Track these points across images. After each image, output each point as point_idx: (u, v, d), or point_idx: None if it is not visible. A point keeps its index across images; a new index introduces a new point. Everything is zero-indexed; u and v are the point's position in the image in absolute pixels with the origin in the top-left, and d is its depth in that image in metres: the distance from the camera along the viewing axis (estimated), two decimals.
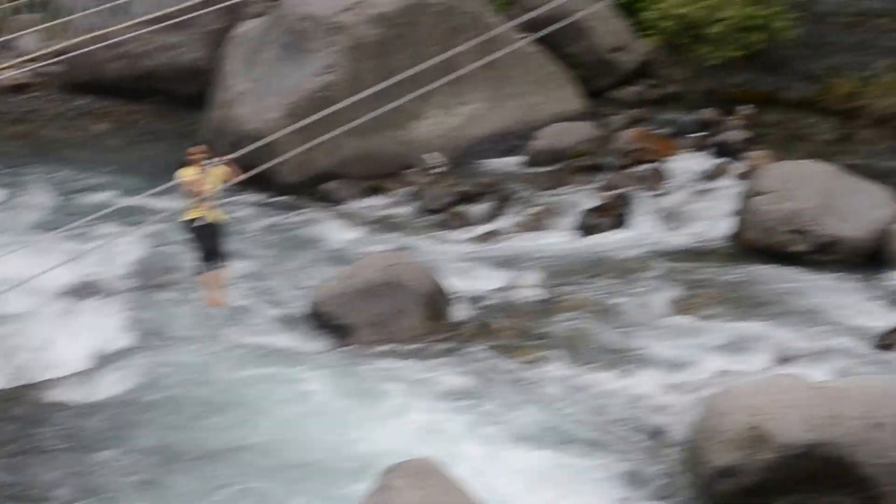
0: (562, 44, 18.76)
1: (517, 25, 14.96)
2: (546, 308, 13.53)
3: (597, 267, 14.49)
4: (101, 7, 13.74)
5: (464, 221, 16.34)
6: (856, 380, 10.88)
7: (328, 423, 11.27)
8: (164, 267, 15.00)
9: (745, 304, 13.28)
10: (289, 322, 13.59)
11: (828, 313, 12.95)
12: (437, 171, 17.69)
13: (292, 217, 16.85)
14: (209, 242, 12.44)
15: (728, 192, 15.93)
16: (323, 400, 11.74)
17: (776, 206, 14.45)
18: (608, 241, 15.39)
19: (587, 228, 15.75)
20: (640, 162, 16.99)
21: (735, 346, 12.38)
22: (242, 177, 10.89)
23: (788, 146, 16.85)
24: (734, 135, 17.37)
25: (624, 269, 14.34)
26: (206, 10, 13.16)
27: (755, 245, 14.57)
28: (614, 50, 19.72)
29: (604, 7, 18.09)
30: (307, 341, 13.18)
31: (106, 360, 12.82)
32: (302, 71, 17.83)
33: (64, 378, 12.47)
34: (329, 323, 13.33)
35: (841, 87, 17.65)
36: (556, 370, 12.18)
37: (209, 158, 12.12)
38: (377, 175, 17.63)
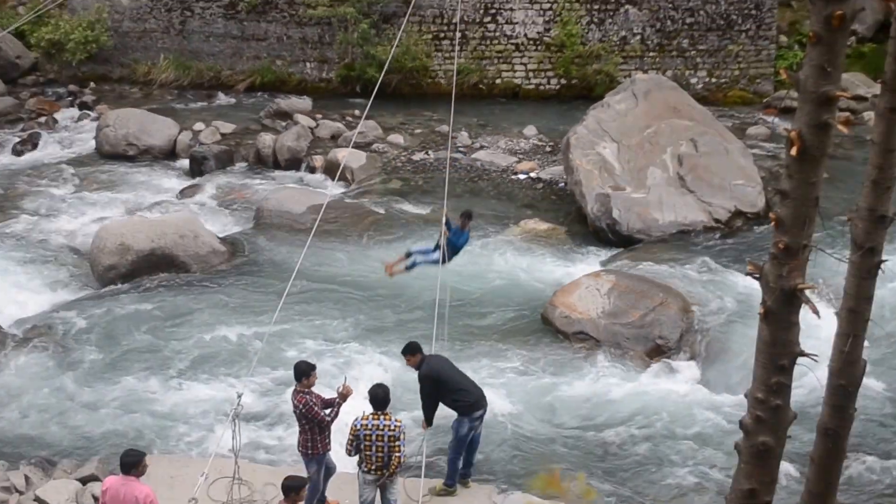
0: None
1: None
2: None
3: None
4: None
5: None
6: (168, 216, 21.64)
7: None
8: None
9: (106, 185, 24.88)
10: None
11: (151, 183, 25.32)
12: None
13: None
14: None
15: (90, 127, 29.13)
16: None
17: (117, 132, 27.10)
18: (32, 157, 27.12)
19: (17, 152, 26.09)
20: (40, 115, 29.87)
21: (104, 205, 23.59)
22: None
23: (117, 101, 31.12)
24: (88, 97, 31.70)
25: (39, 174, 25.48)
26: None
27: (108, 153, 27.00)
28: (17, 57, 33.05)
29: (6, 34, 29.09)
30: None
31: None
32: None
33: None
34: None
35: (141, 69, 32.92)
36: None
37: None
38: None
